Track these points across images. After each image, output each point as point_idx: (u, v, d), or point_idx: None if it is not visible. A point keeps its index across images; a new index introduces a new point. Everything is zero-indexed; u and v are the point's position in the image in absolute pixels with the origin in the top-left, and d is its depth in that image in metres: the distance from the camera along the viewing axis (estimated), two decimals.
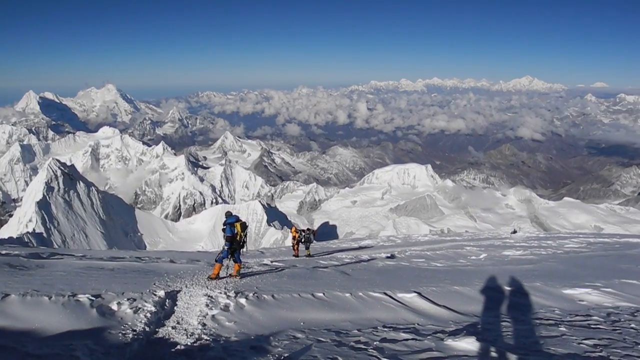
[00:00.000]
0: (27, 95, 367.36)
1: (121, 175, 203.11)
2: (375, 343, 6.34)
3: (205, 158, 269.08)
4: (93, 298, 7.21)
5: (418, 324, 7.55)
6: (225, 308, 7.65)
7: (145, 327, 6.47)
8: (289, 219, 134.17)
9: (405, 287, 10.01)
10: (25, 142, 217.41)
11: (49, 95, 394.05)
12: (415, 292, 9.34)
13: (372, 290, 9.35)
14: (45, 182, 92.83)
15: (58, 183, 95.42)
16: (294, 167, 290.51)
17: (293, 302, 8.23)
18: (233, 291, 8.68)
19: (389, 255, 19.15)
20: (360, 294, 9.03)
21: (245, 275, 10.82)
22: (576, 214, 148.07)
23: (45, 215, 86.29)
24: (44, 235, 79.70)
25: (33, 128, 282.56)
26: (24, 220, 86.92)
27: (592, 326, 7.49)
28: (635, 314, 8.28)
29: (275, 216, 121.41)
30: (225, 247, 10.39)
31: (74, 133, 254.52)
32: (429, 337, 6.67)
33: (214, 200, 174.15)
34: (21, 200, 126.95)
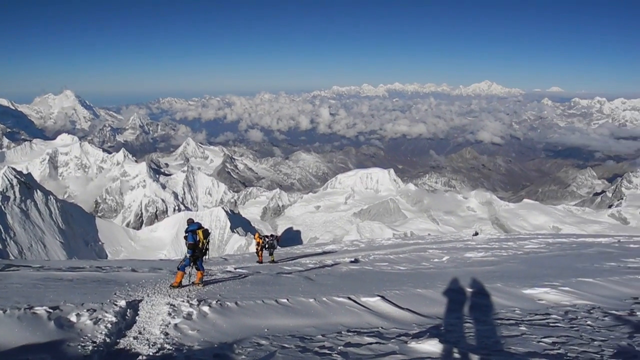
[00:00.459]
0: None
1: (81, 184, 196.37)
2: (339, 348, 6.35)
3: (167, 165, 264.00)
4: (51, 310, 6.92)
5: (382, 328, 7.57)
6: (188, 316, 7.54)
7: (106, 338, 6.32)
8: (253, 225, 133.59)
9: (369, 291, 10.02)
10: None
11: (4, 101, 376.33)
12: (379, 295, 9.36)
13: (336, 295, 9.33)
14: (1, 192, 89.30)
15: (14, 192, 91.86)
16: (257, 173, 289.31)
17: (257, 309, 8.17)
18: (196, 299, 8.56)
19: (352, 259, 19.22)
20: (324, 299, 9.00)
21: (209, 283, 10.69)
22: (535, 215, 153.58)
23: (0, 226, 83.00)
24: None
25: None
26: None
27: (551, 324, 7.66)
28: (592, 311, 8.52)
29: (238, 222, 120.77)
30: (188, 255, 10.24)
31: (30, 140, 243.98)
32: (392, 340, 6.70)
33: (177, 208, 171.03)
34: None
